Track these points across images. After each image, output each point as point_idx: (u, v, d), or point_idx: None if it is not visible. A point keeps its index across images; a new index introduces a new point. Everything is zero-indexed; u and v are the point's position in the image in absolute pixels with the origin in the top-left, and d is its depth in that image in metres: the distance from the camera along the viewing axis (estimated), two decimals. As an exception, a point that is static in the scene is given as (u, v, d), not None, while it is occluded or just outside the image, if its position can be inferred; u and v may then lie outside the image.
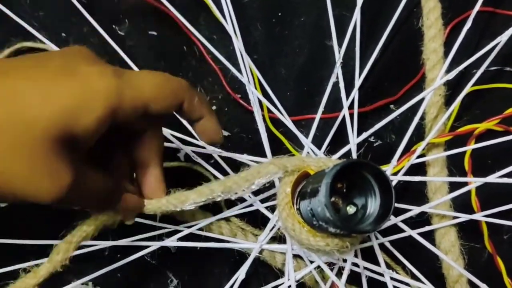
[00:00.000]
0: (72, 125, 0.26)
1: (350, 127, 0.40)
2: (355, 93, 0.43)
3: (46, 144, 0.25)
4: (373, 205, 0.30)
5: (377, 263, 0.40)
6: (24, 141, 0.25)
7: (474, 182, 0.40)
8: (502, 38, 0.41)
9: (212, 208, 0.42)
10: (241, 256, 0.43)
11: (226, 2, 0.42)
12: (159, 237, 0.42)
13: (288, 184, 0.33)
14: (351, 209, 0.31)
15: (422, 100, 0.43)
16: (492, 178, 0.39)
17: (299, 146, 0.44)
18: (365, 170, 0.29)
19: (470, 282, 0.42)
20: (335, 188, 0.31)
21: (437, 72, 0.45)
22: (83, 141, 0.27)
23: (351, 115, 0.43)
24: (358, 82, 0.43)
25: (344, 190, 0.31)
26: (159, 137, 0.34)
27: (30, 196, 0.26)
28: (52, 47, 0.44)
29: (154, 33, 0.46)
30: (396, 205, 0.41)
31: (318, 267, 0.41)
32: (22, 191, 0.26)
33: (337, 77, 0.42)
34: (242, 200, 0.42)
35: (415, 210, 0.39)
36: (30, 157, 0.25)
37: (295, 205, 0.33)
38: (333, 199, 0.31)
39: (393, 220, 0.39)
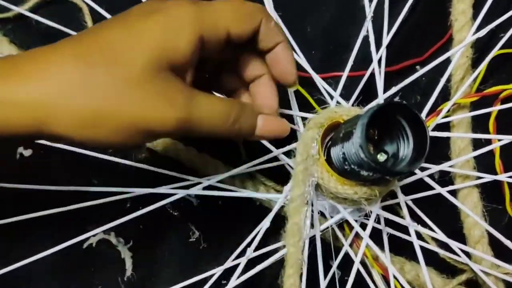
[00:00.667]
0: (168, 54, 0.28)
1: (380, 81, 0.40)
2: (382, 51, 0.43)
3: (152, 76, 0.28)
4: (406, 149, 0.30)
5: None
6: (134, 77, 0.27)
7: (498, 141, 0.40)
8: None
9: (235, 162, 0.43)
10: (263, 211, 0.43)
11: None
12: (182, 190, 0.42)
13: (316, 132, 0.33)
14: (381, 157, 0.31)
15: (448, 62, 0.43)
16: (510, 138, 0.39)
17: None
18: (400, 114, 0.29)
19: (491, 243, 0.42)
20: (367, 135, 0.30)
21: (465, 34, 0.45)
22: (184, 66, 0.29)
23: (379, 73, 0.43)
24: (386, 40, 0.43)
25: (376, 137, 0.31)
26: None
27: (157, 125, 0.28)
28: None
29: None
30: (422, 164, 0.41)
31: (338, 224, 0.41)
32: (149, 123, 0.28)
33: (367, 31, 0.41)
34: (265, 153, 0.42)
35: (440, 166, 0.39)
36: (144, 90, 0.28)
37: (323, 154, 0.33)
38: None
39: (419, 174, 0.39)
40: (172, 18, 0.29)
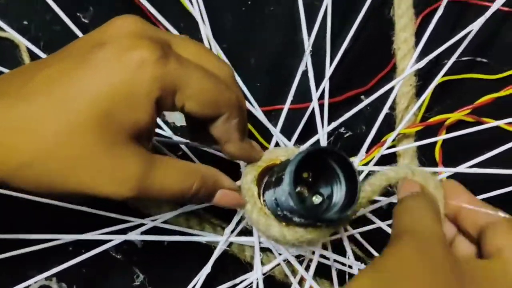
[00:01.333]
0: (121, 119, 0.26)
1: (319, 117, 0.39)
2: (325, 83, 0.42)
3: (104, 142, 0.26)
4: (339, 194, 0.29)
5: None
6: (84, 143, 0.25)
7: (444, 172, 0.40)
8: (474, 27, 0.41)
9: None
10: (211, 250, 0.42)
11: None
12: (124, 232, 0.41)
13: (253, 175, 0.32)
14: (317, 199, 0.30)
15: (392, 90, 0.43)
16: (462, 168, 0.38)
17: (270, 138, 0.43)
18: (330, 158, 0.29)
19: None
20: (301, 178, 0.30)
21: (407, 62, 0.45)
22: (142, 132, 0.27)
23: (322, 106, 0.42)
24: (328, 72, 0.42)
25: (310, 179, 0.30)
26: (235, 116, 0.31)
27: (108, 196, 0.27)
28: (14, 35, 0.42)
29: (120, 21, 0.44)
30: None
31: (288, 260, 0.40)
32: (98, 194, 0.26)
33: (306, 66, 0.41)
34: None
35: (384, 201, 0.38)
36: (95, 161, 0.26)
37: (261, 197, 0.32)
38: (298, 189, 0.30)
39: (362, 211, 0.38)
40: (131, 83, 0.26)
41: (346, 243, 0.37)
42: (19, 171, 0.25)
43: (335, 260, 0.39)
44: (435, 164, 0.43)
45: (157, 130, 0.41)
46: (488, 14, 0.41)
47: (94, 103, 0.25)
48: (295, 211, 0.28)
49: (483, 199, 0.40)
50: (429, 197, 0.29)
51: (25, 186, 0.26)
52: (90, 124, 0.25)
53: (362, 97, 0.46)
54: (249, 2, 0.46)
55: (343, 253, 0.40)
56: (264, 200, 0.32)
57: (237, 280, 0.39)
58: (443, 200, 0.30)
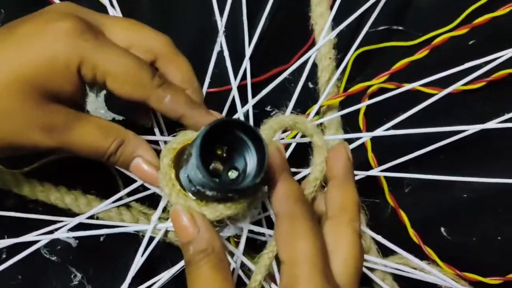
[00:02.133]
0: (43, 82, 0.29)
1: (238, 97, 0.40)
2: (246, 63, 0.43)
3: (29, 100, 0.29)
4: (251, 164, 0.30)
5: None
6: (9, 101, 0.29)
7: (365, 137, 0.41)
8: (382, -4, 0.42)
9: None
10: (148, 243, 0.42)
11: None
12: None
13: (169, 158, 0.32)
14: (233, 174, 0.30)
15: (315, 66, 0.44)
16: (380, 132, 0.39)
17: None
18: (239, 130, 0.29)
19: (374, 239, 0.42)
20: (215, 155, 0.30)
21: (327, 37, 0.45)
22: (63, 96, 0.30)
23: (245, 86, 0.43)
24: (248, 51, 0.43)
25: (225, 155, 0.30)
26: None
27: (32, 148, 0.31)
28: None
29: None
30: (295, 169, 0.41)
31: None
32: (23, 146, 0.30)
33: (221, 47, 0.41)
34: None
35: (310, 169, 0.39)
36: (19, 115, 0.29)
37: (179, 180, 0.32)
38: (213, 165, 0.30)
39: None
40: (51, 52, 0.29)
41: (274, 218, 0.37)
42: None
43: (270, 236, 0.39)
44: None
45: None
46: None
47: (17, 70, 0.29)
48: (205, 183, 0.28)
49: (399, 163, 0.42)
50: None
51: None
52: (14, 87, 0.29)
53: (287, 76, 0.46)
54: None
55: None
56: (180, 181, 0.32)
57: (177, 267, 0.39)
58: (323, 164, 0.33)
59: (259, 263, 0.32)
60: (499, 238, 0.46)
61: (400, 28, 0.49)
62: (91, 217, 0.39)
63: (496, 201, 0.46)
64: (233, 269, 0.35)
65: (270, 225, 0.40)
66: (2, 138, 0.30)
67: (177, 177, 0.32)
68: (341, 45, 0.46)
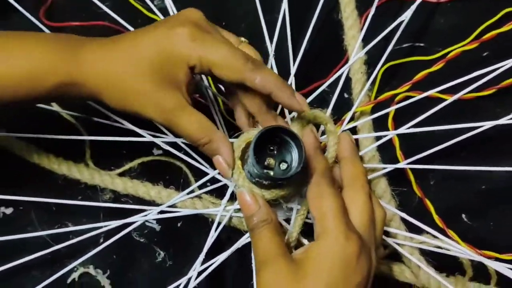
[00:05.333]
0: (166, 68, 0.40)
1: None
2: (291, 79, 0.52)
3: (152, 80, 0.40)
4: (294, 158, 0.39)
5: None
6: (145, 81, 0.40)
7: (390, 134, 0.49)
8: (407, 15, 0.51)
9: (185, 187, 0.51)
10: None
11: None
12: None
13: (238, 152, 0.42)
14: (283, 165, 0.40)
15: (349, 80, 0.53)
16: (403, 130, 0.48)
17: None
18: (283, 133, 0.38)
19: (403, 220, 0.50)
20: (267, 153, 0.40)
21: (358, 55, 0.54)
22: (178, 82, 0.40)
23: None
24: (293, 69, 0.52)
25: (275, 152, 0.40)
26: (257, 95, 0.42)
27: (145, 116, 0.41)
28: None
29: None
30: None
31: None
32: (139, 113, 0.41)
33: (271, 66, 0.51)
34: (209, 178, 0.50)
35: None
36: (144, 88, 0.40)
37: (244, 169, 0.42)
38: (267, 161, 0.40)
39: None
40: (171, 47, 0.39)
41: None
42: (102, 90, 0.40)
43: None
44: (389, 133, 0.53)
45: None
46: (414, 6, 0.51)
47: (149, 58, 0.40)
48: (261, 176, 0.38)
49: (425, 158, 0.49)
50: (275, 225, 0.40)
51: (107, 101, 0.41)
52: (144, 71, 0.40)
53: (326, 89, 0.55)
54: (223, 23, 0.56)
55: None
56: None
57: (239, 243, 0.48)
58: (335, 146, 0.43)
59: (294, 223, 0.42)
60: (513, 222, 0.53)
61: (422, 44, 0.58)
62: (171, 206, 0.49)
63: (509, 191, 0.53)
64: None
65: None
66: (130, 109, 0.41)
67: (242, 166, 0.42)
68: (371, 61, 0.55)
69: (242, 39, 0.46)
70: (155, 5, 0.56)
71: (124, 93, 0.40)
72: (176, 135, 0.45)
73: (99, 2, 0.56)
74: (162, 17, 0.56)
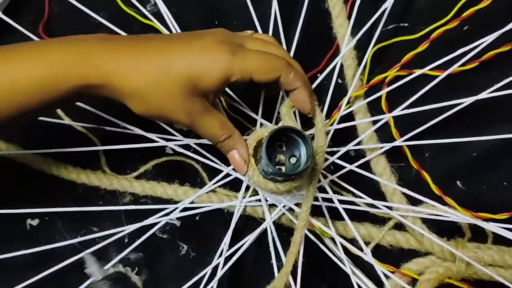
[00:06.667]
0: (199, 84, 0.42)
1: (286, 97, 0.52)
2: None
3: (182, 91, 0.42)
4: (303, 153, 0.43)
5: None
6: (171, 89, 0.42)
7: (386, 117, 0.53)
8: (388, 4, 0.54)
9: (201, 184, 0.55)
10: (232, 217, 0.55)
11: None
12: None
13: (251, 149, 0.45)
14: (293, 159, 0.44)
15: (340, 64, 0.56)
16: (398, 112, 0.52)
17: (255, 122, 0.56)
18: (291, 132, 0.42)
19: (404, 193, 0.55)
20: (277, 148, 0.43)
21: (350, 43, 0.57)
22: (208, 93, 0.43)
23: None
24: (288, 62, 0.55)
25: (284, 149, 0.44)
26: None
27: (173, 120, 0.44)
28: None
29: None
30: (335, 148, 0.54)
31: (290, 209, 0.53)
32: (168, 117, 0.43)
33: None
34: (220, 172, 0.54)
35: (347, 147, 0.51)
36: (174, 98, 0.42)
37: (257, 165, 0.46)
38: (278, 157, 0.44)
39: (331, 159, 0.52)
40: (210, 62, 0.42)
41: (325, 185, 0.50)
42: (131, 95, 0.42)
43: (323, 199, 0.52)
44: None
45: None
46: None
47: (182, 70, 0.42)
48: (275, 173, 0.42)
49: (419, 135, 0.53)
50: None
51: (135, 108, 0.42)
52: (181, 81, 0.42)
53: (318, 75, 0.58)
54: (215, 22, 0.59)
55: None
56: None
57: (255, 232, 0.52)
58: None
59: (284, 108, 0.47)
60: (504, 183, 0.57)
61: (406, 24, 0.60)
62: (191, 203, 0.52)
63: (499, 156, 0.58)
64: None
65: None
66: (161, 114, 0.43)
67: (256, 162, 0.45)
68: (359, 45, 0.58)
69: (249, 32, 0.50)
70: (148, 11, 0.59)
71: (152, 104, 0.42)
72: (196, 134, 0.48)
73: (93, 13, 0.57)
74: (157, 22, 0.58)
